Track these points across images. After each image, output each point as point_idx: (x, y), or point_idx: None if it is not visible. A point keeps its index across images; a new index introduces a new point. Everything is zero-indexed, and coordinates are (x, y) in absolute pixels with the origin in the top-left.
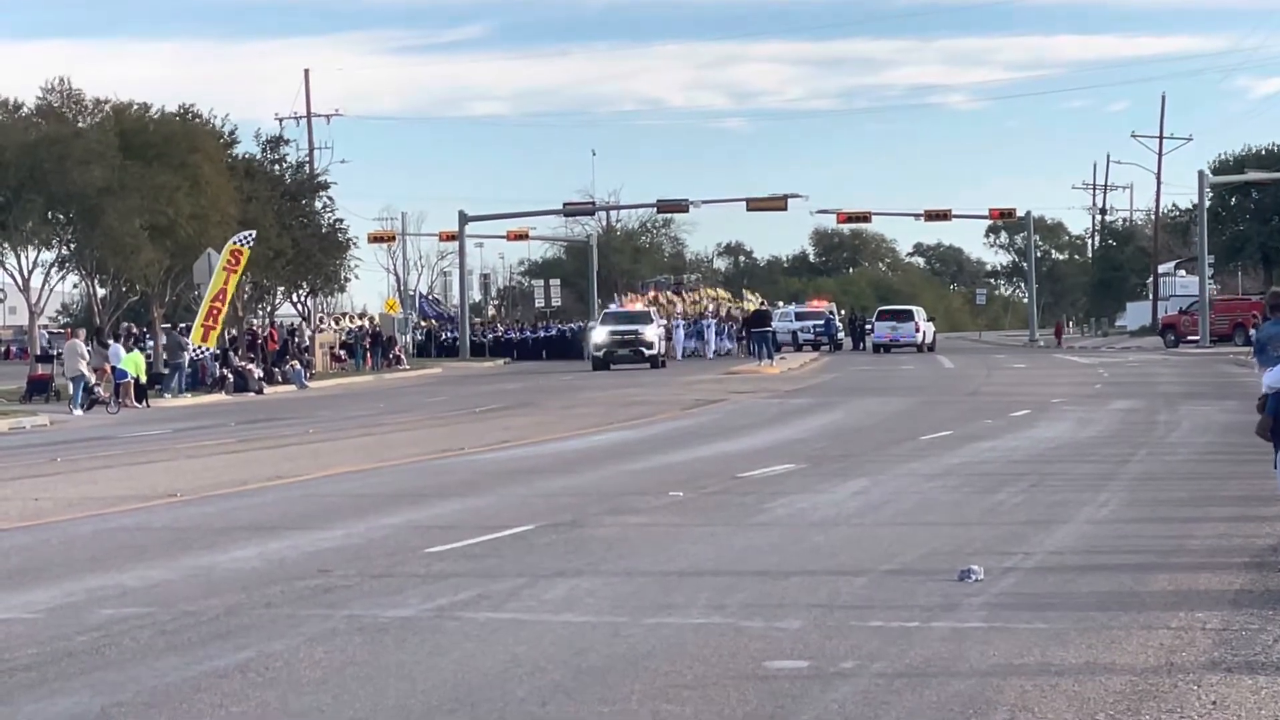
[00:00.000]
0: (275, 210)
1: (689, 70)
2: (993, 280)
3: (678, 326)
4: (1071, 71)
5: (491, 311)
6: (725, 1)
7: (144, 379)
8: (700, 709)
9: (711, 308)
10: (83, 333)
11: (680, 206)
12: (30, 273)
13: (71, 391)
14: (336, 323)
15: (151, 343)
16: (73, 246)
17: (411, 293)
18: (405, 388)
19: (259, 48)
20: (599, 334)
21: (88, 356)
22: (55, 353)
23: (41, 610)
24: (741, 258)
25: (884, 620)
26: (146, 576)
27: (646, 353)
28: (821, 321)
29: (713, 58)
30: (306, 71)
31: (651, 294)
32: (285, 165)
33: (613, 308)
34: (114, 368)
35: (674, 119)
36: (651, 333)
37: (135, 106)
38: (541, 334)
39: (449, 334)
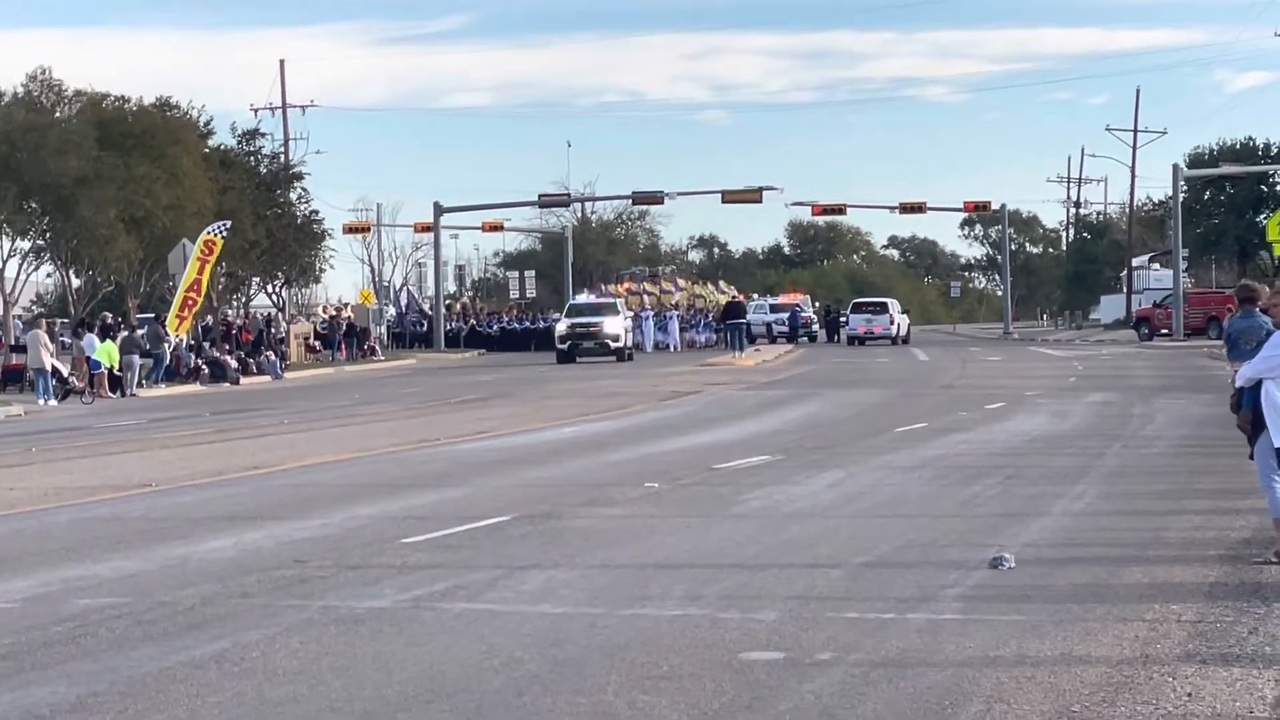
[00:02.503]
0: (250, 201)
1: (670, 62)
2: (967, 273)
3: (646, 319)
4: (1053, 64)
5: (453, 303)
6: None
7: (118, 369)
8: (677, 700)
9: (676, 299)
10: (44, 324)
11: (655, 198)
12: (5, 262)
13: (37, 383)
14: (339, 312)
15: (125, 333)
16: (48, 236)
17: (386, 284)
18: (380, 379)
19: (236, 38)
20: (563, 326)
21: (52, 347)
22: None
23: (17, 600)
24: (716, 250)
25: (860, 612)
26: (122, 567)
27: (613, 345)
28: (787, 314)
29: (694, 50)
30: (282, 62)
31: (625, 285)
32: (261, 156)
33: (578, 299)
34: (88, 358)
35: (654, 111)
36: (617, 325)
37: (113, 98)
38: (540, 326)
39: (401, 327)
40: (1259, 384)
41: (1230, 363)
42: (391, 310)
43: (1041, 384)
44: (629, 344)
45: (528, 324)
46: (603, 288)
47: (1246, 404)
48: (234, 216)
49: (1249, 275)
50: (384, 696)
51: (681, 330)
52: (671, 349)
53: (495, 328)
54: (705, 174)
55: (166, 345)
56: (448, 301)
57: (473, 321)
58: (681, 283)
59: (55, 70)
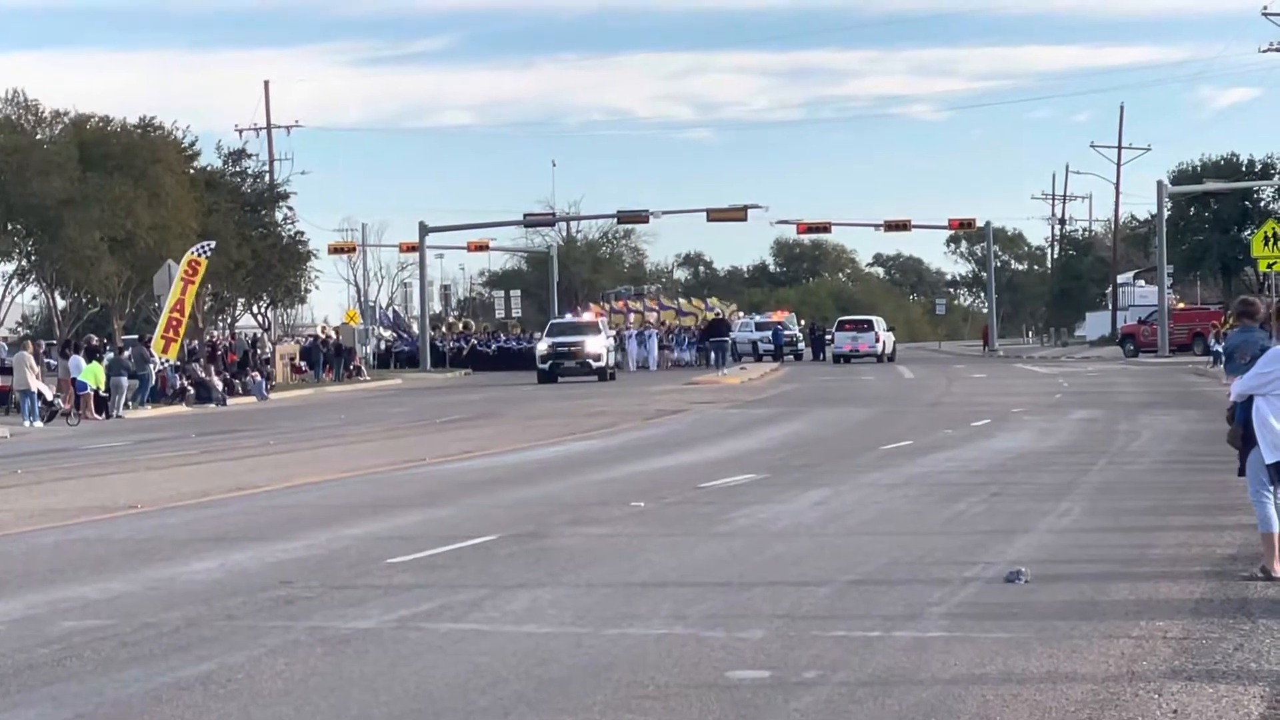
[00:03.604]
0: (235, 221)
1: (655, 81)
2: (952, 290)
3: (630, 338)
4: (1036, 81)
5: (454, 322)
6: (692, 13)
7: (104, 391)
8: (663, 719)
9: (658, 317)
10: (29, 345)
11: (640, 217)
12: None
13: (22, 405)
14: (336, 333)
15: (111, 354)
16: (32, 258)
17: (372, 304)
18: (366, 399)
19: (222, 59)
20: (544, 346)
21: (37, 369)
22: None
23: (3, 622)
24: (702, 268)
25: (846, 630)
26: (108, 588)
27: (594, 365)
28: (770, 333)
29: (678, 69)
30: (266, 83)
31: (615, 304)
32: (246, 177)
33: (559, 318)
34: (74, 380)
35: (638, 130)
36: (599, 344)
37: (95, 118)
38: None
39: (408, 346)
40: (1251, 399)
41: (1227, 376)
42: (388, 333)
43: (1027, 401)
44: (611, 363)
45: (525, 343)
46: (590, 306)
47: (1238, 419)
48: (219, 237)
49: (1234, 291)
50: (370, 716)
51: (662, 349)
52: (650, 367)
53: (494, 347)
54: (690, 192)
55: (152, 366)
56: (448, 320)
57: (474, 341)
58: (665, 301)
59: (36, 92)
